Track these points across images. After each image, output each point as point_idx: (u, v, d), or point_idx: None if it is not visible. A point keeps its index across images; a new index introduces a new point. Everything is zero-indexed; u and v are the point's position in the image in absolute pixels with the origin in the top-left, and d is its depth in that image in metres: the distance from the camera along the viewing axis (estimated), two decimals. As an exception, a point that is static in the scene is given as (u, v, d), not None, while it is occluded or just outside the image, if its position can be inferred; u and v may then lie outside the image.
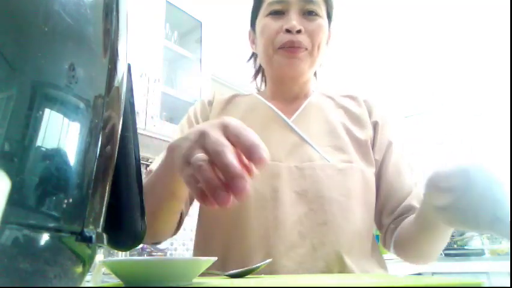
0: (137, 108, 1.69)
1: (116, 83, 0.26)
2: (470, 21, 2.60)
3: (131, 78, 0.32)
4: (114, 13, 0.26)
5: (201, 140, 0.37)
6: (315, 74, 0.84)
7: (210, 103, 0.81)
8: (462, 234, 3.53)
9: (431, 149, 3.69)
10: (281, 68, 0.74)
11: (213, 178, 0.34)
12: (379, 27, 2.66)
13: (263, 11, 0.75)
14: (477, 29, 2.69)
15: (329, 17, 0.77)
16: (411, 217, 0.67)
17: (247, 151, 0.34)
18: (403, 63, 3.16)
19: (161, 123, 1.82)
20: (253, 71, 0.89)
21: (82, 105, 0.22)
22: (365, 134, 0.74)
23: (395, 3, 2.38)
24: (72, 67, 0.22)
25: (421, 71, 3.28)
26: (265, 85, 0.87)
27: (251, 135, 0.35)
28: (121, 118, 0.28)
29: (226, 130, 0.36)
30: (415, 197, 0.71)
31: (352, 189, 0.67)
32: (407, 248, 0.68)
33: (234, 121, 0.37)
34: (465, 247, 3.37)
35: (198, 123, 0.78)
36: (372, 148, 0.74)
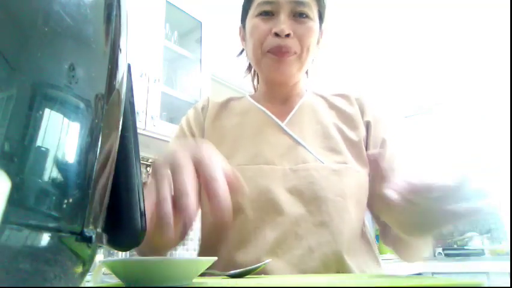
0: (137, 108, 1.69)
1: (116, 83, 0.26)
2: (470, 21, 2.60)
3: (131, 78, 0.32)
4: (114, 13, 0.26)
5: (169, 158, 0.38)
6: (306, 72, 0.84)
7: (204, 109, 0.81)
8: (462, 234, 3.54)
9: (431, 149, 3.68)
10: (270, 72, 0.74)
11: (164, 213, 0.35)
12: (379, 27, 2.66)
13: (253, 10, 0.74)
14: (477, 29, 2.69)
15: (321, 17, 0.76)
16: None
17: (203, 186, 0.36)
18: (403, 63, 3.16)
19: (161, 123, 1.82)
20: (246, 67, 0.89)
21: (82, 105, 0.22)
22: (358, 135, 0.74)
23: (395, 3, 2.38)
24: (72, 67, 0.22)
25: (421, 71, 3.28)
26: (258, 83, 0.87)
27: (210, 168, 0.36)
28: (121, 118, 0.28)
29: (194, 154, 0.38)
30: None
31: (347, 189, 0.67)
32: (408, 241, 0.66)
33: (204, 150, 0.39)
34: (465, 247, 3.37)
35: (191, 131, 0.78)
36: (366, 148, 0.74)
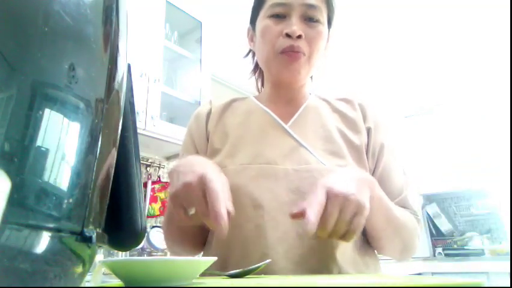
0: (137, 108, 1.69)
1: (116, 83, 0.26)
2: (470, 21, 2.60)
3: (131, 78, 0.32)
4: (114, 13, 0.26)
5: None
6: (311, 77, 0.84)
7: (208, 113, 0.82)
8: (462, 234, 3.54)
9: (431, 149, 3.69)
10: (279, 73, 0.75)
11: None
12: (380, 27, 2.66)
13: (264, 11, 0.75)
14: (477, 29, 2.69)
15: (329, 22, 0.77)
16: None
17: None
18: (403, 64, 3.16)
19: (161, 123, 1.82)
20: (251, 68, 0.89)
21: (82, 105, 0.22)
22: (360, 139, 0.75)
23: (396, 3, 2.38)
24: (72, 67, 0.22)
25: (421, 71, 3.28)
26: (262, 85, 0.87)
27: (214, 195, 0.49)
28: (121, 118, 0.28)
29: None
30: (402, 200, 0.71)
31: None
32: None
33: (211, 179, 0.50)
34: (465, 247, 3.37)
35: (194, 143, 0.80)
36: (366, 153, 0.75)
